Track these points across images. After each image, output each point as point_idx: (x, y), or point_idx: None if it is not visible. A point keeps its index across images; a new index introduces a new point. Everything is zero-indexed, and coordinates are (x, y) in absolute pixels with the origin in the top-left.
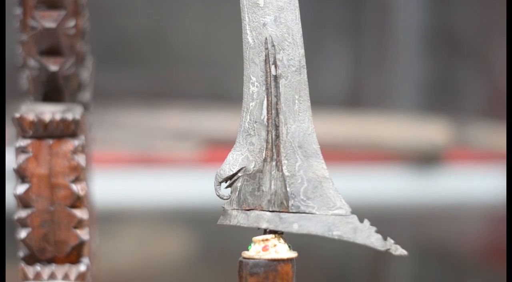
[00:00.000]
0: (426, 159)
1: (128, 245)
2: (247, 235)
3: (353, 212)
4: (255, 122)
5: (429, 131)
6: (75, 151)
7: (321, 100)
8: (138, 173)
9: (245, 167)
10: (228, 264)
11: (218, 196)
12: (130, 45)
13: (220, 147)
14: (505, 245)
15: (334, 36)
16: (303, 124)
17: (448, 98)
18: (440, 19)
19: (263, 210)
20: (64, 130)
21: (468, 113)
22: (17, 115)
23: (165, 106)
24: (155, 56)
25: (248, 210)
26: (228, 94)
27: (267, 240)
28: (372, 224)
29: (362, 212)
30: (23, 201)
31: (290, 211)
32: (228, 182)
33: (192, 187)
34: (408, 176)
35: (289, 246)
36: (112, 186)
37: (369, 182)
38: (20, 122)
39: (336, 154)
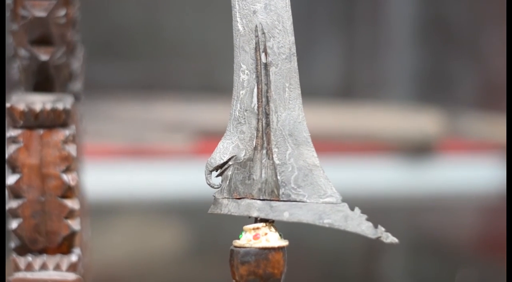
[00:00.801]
0: (419, 150)
1: (120, 237)
2: (240, 226)
3: (344, 200)
4: (246, 110)
5: (422, 122)
6: (66, 141)
7: (314, 91)
8: (131, 165)
9: (235, 155)
10: (220, 255)
11: (209, 184)
12: (123, 37)
13: (212, 138)
14: (498, 236)
15: (326, 27)
16: (293, 112)
17: (441, 89)
18: (432, 9)
19: (254, 199)
20: (54, 120)
21: (461, 104)
22: (8, 105)
23: (158, 98)
24: (147, 48)
25: (239, 198)
26: (220, 86)
27: (258, 228)
28: (363, 214)
29: (355, 203)
30: (14, 191)
31: (281, 199)
32: (219, 171)
33: (185, 178)
34: (401, 166)
35: (280, 235)
36: (104, 178)
37: (362, 173)
38: (10, 112)
39: (329, 144)
